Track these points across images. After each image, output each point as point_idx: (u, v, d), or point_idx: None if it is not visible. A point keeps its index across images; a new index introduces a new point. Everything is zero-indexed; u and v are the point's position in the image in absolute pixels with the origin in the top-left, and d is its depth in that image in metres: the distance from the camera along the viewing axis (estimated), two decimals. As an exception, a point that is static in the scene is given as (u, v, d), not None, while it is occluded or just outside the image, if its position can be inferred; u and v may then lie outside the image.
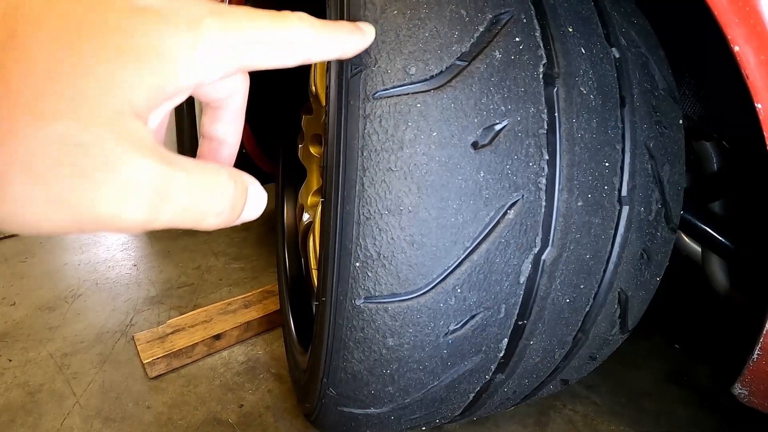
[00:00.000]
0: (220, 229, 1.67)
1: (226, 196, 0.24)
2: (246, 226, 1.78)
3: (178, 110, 2.59)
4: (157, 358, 0.91)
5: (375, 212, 0.35)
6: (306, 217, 0.88)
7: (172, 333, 0.98)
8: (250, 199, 0.26)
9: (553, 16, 0.44)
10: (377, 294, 0.37)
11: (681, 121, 0.54)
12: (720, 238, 0.71)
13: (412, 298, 0.37)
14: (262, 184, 0.27)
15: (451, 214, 0.35)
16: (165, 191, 0.21)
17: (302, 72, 0.84)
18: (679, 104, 0.54)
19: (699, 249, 0.79)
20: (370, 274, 0.36)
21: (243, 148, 1.15)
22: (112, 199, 0.19)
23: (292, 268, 0.94)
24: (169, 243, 1.66)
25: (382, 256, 0.35)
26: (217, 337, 0.97)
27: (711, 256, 0.74)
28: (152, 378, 0.92)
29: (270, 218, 1.80)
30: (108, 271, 1.44)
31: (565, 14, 0.45)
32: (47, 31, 0.19)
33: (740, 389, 0.57)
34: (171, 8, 0.21)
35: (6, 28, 0.18)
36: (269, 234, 1.70)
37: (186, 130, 2.59)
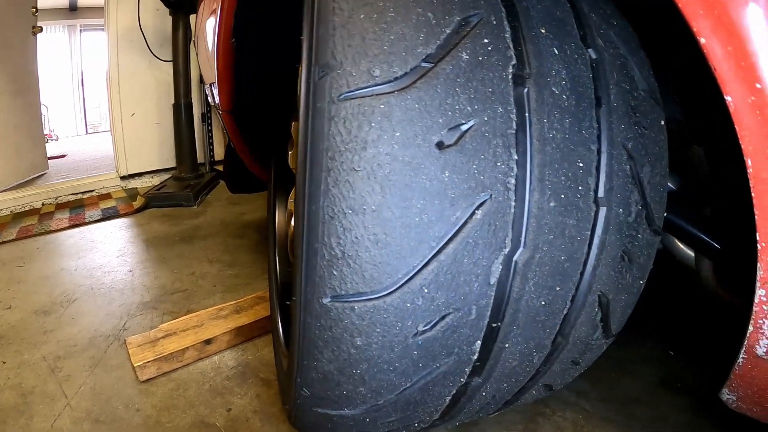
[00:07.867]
0: (215, 236, 1.67)
1: None
2: (242, 234, 1.79)
3: (177, 114, 2.61)
4: (148, 362, 0.92)
5: (339, 211, 0.35)
6: (295, 221, 0.88)
7: (163, 337, 0.98)
8: None
9: (525, 18, 0.44)
10: (343, 293, 0.37)
11: (663, 122, 0.53)
12: (711, 242, 0.70)
13: (378, 297, 0.37)
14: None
15: (415, 213, 0.35)
16: None
17: (293, 80, 0.85)
18: (661, 105, 0.54)
19: (692, 253, 0.78)
20: (335, 273, 0.36)
21: (237, 156, 1.15)
22: None
23: (282, 274, 0.95)
24: (166, 249, 1.66)
25: (346, 254, 0.36)
26: (208, 341, 0.97)
27: (704, 260, 0.73)
28: (143, 381, 0.92)
29: (266, 225, 1.80)
30: (104, 277, 1.44)
31: (538, 16, 0.45)
32: None
33: (728, 394, 0.56)
34: None
35: None
36: (264, 241, 1.70)
37: (184, 133, 2.62)
